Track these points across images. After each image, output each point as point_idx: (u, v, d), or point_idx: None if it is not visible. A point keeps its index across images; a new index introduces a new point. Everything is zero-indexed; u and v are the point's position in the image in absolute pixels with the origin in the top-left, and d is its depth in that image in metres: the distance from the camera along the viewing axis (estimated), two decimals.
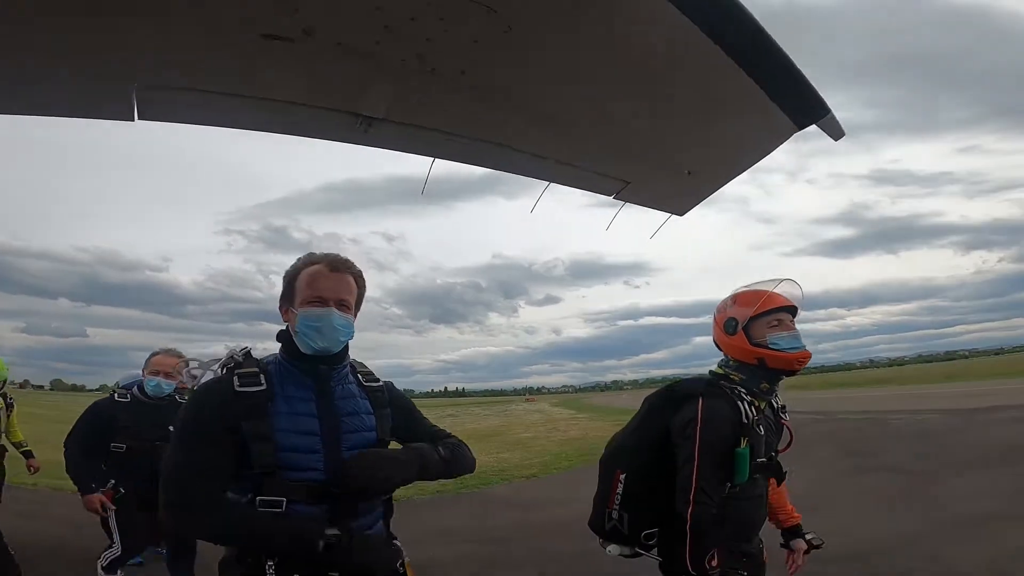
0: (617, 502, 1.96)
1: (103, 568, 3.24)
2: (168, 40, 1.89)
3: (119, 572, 3.30)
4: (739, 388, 1.91)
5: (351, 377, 1.61)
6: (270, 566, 1.38)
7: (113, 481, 3.31)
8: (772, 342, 1.92)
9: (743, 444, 1.83)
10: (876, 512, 5.57)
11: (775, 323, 1.94)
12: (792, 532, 2.19)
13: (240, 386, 1.44)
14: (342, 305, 1.52)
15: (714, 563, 1.77)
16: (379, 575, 1.47)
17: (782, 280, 2.02)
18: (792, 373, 1.96)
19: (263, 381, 1.46)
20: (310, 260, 1.56)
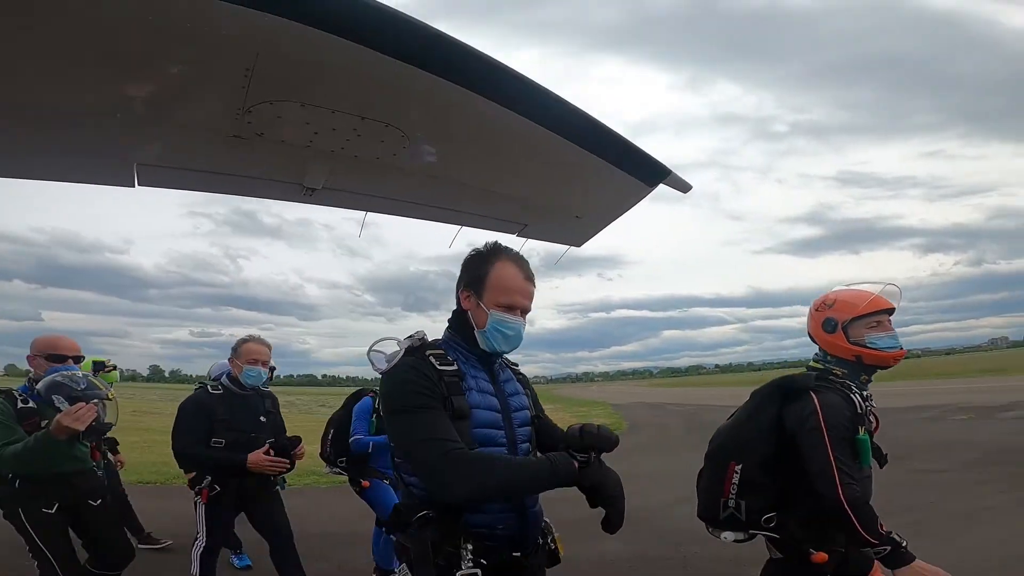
0: (733, 491, 2.04)
1: (200, 566, 3.16)
2: (162, 135, 2.65)
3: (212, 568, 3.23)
4: (847, 381, 2.06)
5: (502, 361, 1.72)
6: (468, 549, 1.44)
7: (209, 478, 3.15)
8: (871, 341, 2.07)
9: (861, 432, 1.97)
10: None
11: (874, 324, 2.09)
12: None
13: (440, 365, 1.50)
14: (525, 313, 1.62)
15: (884, 528, 1.88)
16: (614, 502, 1.46)
17: (886, 284, 2.14)
18: (887, 368, 2.13)
19: (453, 362, 1.54)
20: (502, 255, 1.61)
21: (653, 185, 3.61)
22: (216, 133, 2.59)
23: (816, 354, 2.21)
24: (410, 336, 1.58)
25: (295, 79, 2.30)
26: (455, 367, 1.52)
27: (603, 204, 3.95)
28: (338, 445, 3.95)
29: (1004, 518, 5.25)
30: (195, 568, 3.14)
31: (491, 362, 1.64)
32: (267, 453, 3.14)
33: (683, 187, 3.69)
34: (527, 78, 2.55)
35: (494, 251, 1.63)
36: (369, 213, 3.45)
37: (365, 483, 3.87)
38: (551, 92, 2.67)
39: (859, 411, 1.99)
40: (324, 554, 4.64)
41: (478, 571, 1.43)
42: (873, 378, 2.16)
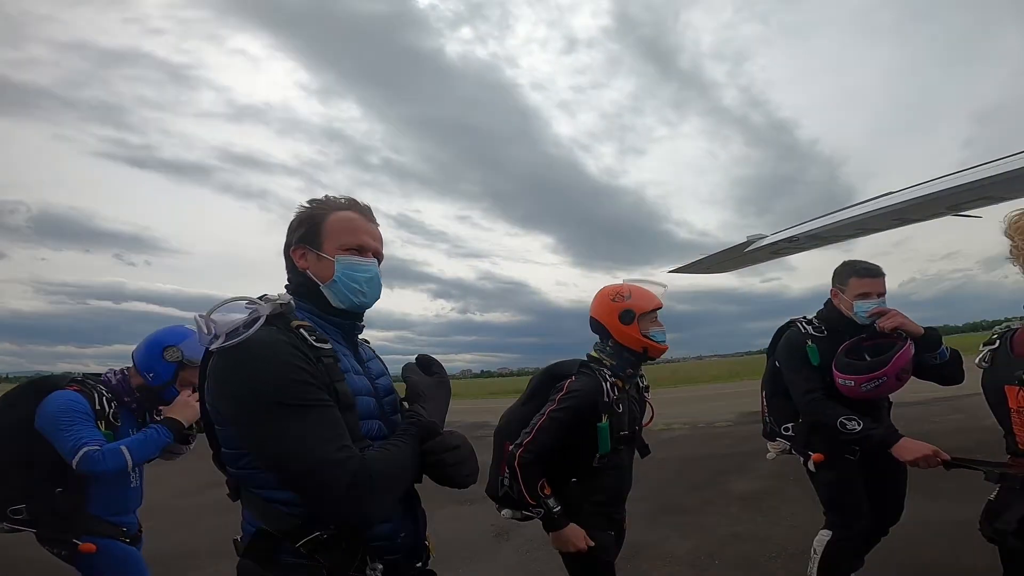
0: (507, 471, 2.05)
1: None
2: None
3: None
4: (606, 371, 2.16)
5: None
6: (377, 569, 1.23)
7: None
8: (653, 335, 2.20)
9: (604, 419, 2.06)
10: None
11: (654, 319, 2.23)
12: None
13: (315, 342, 1.20)
14: (378, 256, 1.39)
15: (547, 491, 2.03)
16: None
17: (665, 285, 2.31)
18: (656, 359, 2.29)
19: (326, 339, 1.23)
20: (337, 205, 1.38)
21: None
22: None
23: (597, 344, 2.28)
24: (264, 297, 1.24)
25: None
26: (329, 345, 1.24)
27: None
28: (10, 481, 2.17)
29: None
30: None
31: (354, 335, 1.41)
32: None
33: None
34: None
35: (326, 202, 1.39)
36: None
37: (87, 546, 2.16)
38: None
39: (606, 399, 2.10)
40: None
41: None
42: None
